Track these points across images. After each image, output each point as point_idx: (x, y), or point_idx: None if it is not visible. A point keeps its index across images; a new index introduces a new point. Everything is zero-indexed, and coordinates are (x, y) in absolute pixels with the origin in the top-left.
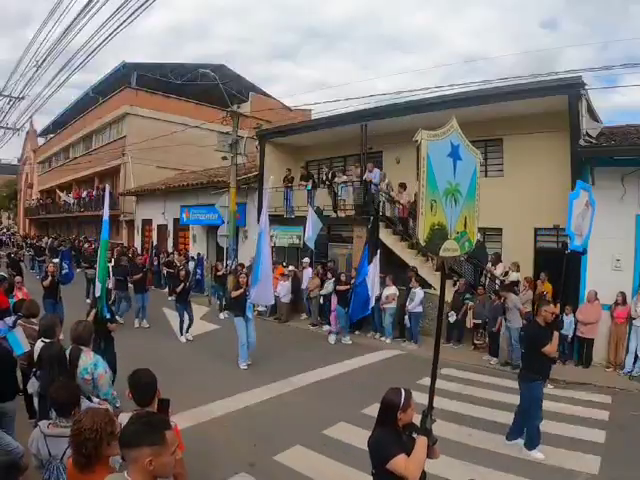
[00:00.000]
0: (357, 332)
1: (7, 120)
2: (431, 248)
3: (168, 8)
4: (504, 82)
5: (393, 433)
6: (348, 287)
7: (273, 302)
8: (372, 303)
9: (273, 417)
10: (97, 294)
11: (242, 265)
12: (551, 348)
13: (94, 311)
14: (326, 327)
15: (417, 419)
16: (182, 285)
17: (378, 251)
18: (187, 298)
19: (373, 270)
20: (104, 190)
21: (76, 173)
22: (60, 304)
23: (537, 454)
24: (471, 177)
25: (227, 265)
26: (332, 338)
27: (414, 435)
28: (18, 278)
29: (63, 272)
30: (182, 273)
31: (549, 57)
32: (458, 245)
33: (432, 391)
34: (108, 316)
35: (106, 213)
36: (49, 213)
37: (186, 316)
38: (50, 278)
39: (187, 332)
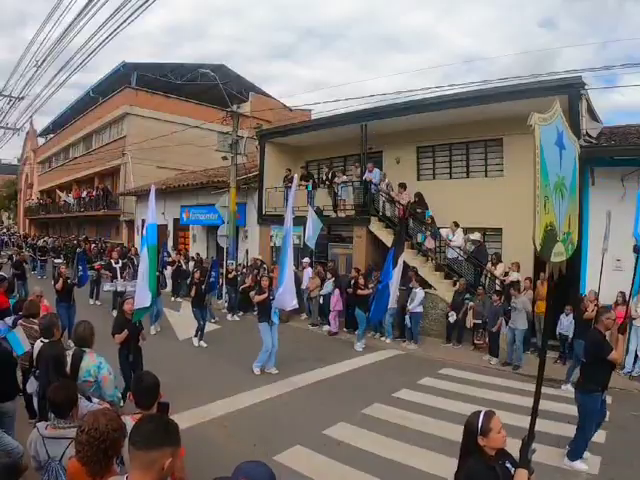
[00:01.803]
0: (357, 332)
1: (7, 120)
2: (545, 253)
3: (165, 8)
4: (504, 82)
5: (482, 464)
6: (370, 292)
7: (297, 306)
8: (390, 304)
9: (273, 417)
10: (141, 304)
11: (242, 265)
12: (617, 354)
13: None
14: (326, 327)
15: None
16: (195, 288)
17: (403, 254)
18: (204, 301)
19: (397, 272)
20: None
21: (76, 173)
22: (74, 307)
23: (581, 465)
24: (573, 169)
25: (238, 264)
26: (359, 345)
27: (507, 464)
28: (37, 289)
29: (79, 274)
30: (197, 275)
31: (548, 56)
32: (564, 248)
33: (534, 416)
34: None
35: (152, 216)
36: (49, 213)
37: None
38: (62, 280)
39: (197, 336)
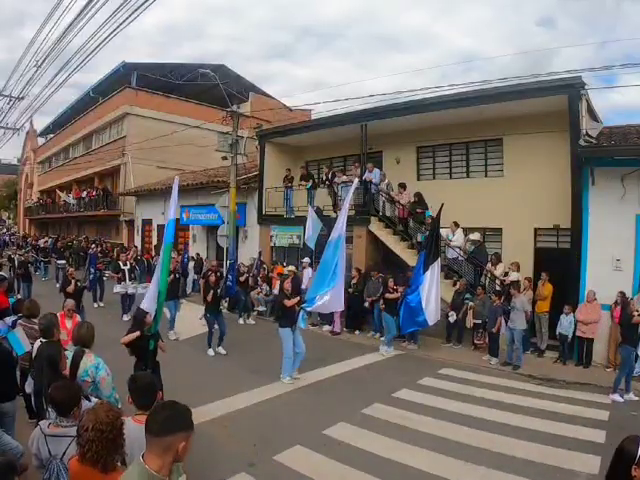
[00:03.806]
0: (357, 332)
1: (7, 120)
2: None
3: (163, 7)
4: (504, 82)
5: None
6: (397, 296)
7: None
8: (436, 314)
9: (273, 417)
10: (149, 308)
11: (242, 265)
12: None
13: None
14: (326, 327)
15: None
16: (212, 292)
17: (439, 258)
18: (219, 307)
19: (430, 278)
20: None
21: (76, 173)
22: (82, 312)
23: None
24: None
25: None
26: (383, 350)
27: None
28: (70, 302)
29: (90, 277)
30: (212, 278)
31: (547, 56)
32: None
33: None
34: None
35: (173, 211)
36: (49, 213)
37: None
38: (73, 284)
39: (219, 346)
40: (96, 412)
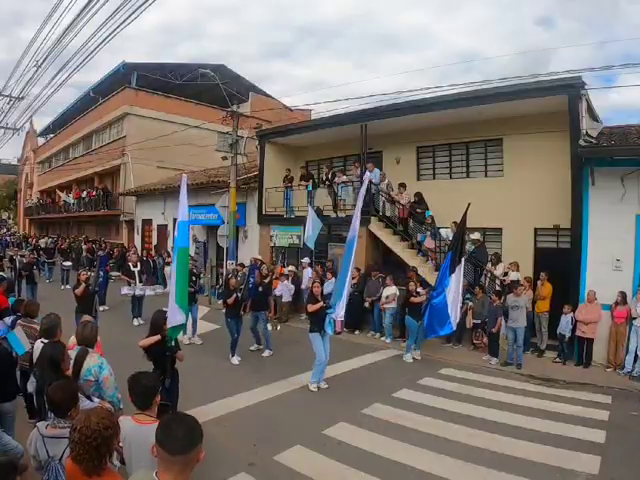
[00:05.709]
0: (357, 332)
1: (7, 120)
2: None
3: (162, 7)
4: (504, 82)
5: None
6: (422, 300)
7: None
8: (456, 318)
9: (273, 417)
10: (173, 322)
11: (242, 265)
12: None
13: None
14: None
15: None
16: (234, 296)
17: (462, 259)
18: (239, 311)
19: (456, 280)
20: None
21: (76, 173)
22: (96, 319)
23: None
24: None
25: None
26: (407, 357)
27: None
28: (87, 317)
29: (100, 280)
30: (232, 281)
31: (546, 55)
32: None
33: None
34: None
35: (183, 212)
36: (49, 213)
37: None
38: (83, 286)
39: (234, 353)
40: (88, 416)
